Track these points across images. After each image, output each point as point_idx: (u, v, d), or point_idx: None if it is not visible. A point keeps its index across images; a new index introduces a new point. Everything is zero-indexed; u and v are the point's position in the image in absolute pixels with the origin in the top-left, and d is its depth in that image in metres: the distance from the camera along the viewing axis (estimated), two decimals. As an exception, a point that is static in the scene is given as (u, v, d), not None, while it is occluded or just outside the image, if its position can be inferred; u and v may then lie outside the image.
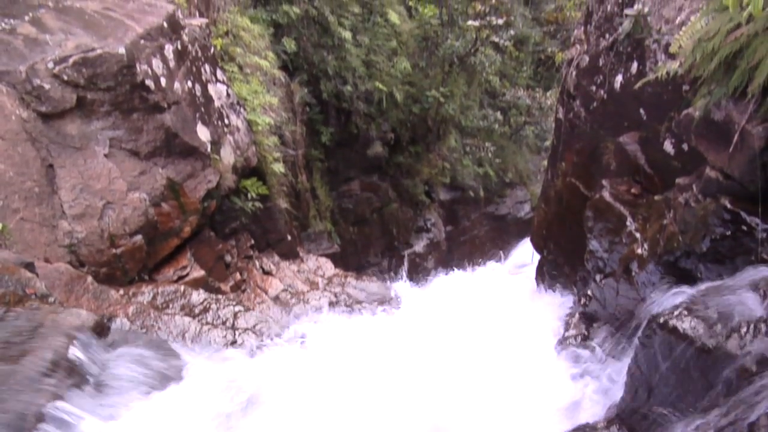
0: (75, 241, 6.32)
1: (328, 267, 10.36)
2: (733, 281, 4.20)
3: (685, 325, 3.83)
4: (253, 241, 9.07)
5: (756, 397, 3.15)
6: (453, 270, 13.80)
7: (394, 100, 14.70)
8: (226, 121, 8.33)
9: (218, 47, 8.92)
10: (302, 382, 5.57)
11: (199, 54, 8.04)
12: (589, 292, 6.68)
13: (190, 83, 7.65)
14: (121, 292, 6.29)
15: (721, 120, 4.54)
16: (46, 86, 6.35)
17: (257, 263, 8.98)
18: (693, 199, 4.89)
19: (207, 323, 6.31)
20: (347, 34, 13.23)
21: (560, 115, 8.13)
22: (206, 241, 7.95)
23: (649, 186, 6.20)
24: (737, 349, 3.53)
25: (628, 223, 6.12)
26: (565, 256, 8.10)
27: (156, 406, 4.46)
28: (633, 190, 6.37)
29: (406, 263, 16.04)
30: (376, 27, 14.53)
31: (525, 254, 12.85)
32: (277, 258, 9.48)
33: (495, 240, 19.03)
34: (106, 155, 6.72)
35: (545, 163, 11.50)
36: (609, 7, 6.85)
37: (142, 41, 6.94)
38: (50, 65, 6.38)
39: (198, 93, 7.81)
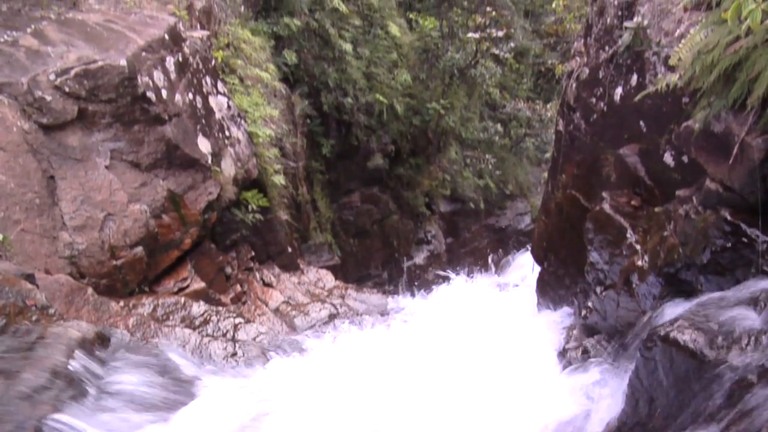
0: (75, 253, 6.33)
1: (329, 279, 10.36)
2: (733, 293, 4.19)
3: (686, 337, 3.83)
4: (253, 253, 9.07)
5: (758, 409, 3.15)
6: (453, 281, 13.77)
7: (394, 112, 14.73)
8: (227, 133, 8.35)
9: (219, 59, 8.94)
10: (304, 394, 5.57)
11: (200, 66, 8.07)
12: (589, 304, 6.67)
13: (191, 95, 7.67)
14: (122, 303, 6.29)
15: (720, 132, 4.54)
16: (48, 98, 6.37)
17: (258, 275, 8.97)
18: (693, 210, 4.89)
19: (207, 335, 6.30)
20: (348, 47, 13.27)
21: (560, 127, 8.14)
22: (207, 252, 7.95)
23: (649, 198, 6.20)
24: (738, 361, 3.52)
25: (628, 235, 6.11)
26: (565, 268, 8.09)
27: (156, 419, 4.46)
28: (633, 202, 6.37)
29: (405, 275, 16.02)
30: (377, 39, 14.57)
31: (525, 266, 12.84)
32: (277, 270, 9.47)
33: (495, 252, 19.02)
34: (107, 167, 6.73)
35: (545, 175, 11.50)
36: (608, 20, 6.87)
37: (143, 53, 6.97)
38: (52, 77, 6.40)
39: (199, 105, 7.84)
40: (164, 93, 7.11)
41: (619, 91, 6.58)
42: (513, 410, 5.54)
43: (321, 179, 13.90)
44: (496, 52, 16.20)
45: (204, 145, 7.70)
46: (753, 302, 3.92)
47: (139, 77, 6.75)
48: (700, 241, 4.71)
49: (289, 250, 9.93)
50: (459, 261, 17.85)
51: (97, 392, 4.34)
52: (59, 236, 6.28)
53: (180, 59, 7.55)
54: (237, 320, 6.87)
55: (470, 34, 15.46)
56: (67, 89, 6.43)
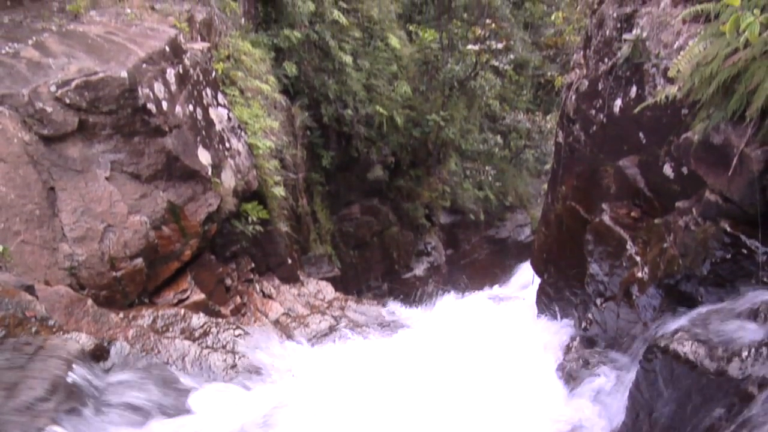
0: (75, 264, 6.32)
1: (329, 290, 10.34)
2: (733, 305, 4.19)
3: (686, 348, 3.83)
4: (253, 265, 9.06)
5: (759, 419, 3.14)
6: (453, 293, 13.76)
7: (394, 123, 14.77)
8: (227, 145, 8.36)
9: (219, 71, 8.97)
10: (304, 405, 5.55)
11: (201, 78, 8.09)
12: (589, 316, 6.67)
13: (191, 107, 7.68)
14: (121, 315, 6.27)
15: (720, 143, 4.55)
16: (49, 109, 6.38)
17: (257, 287, 8.96)
18: (693, 222, 4.89)
19: (207, 347, 6.28)
20: (348, 59, 13.32)
21: (560, 139, 8.16)
22: (207, 264, 7.94)
23: (649, 209, 6.21)
24: (738, 372, 3.52)
25: (628, 247, 6.12)
26: (565, 280, 8.09)
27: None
28: (633, 214, 6.38)
29: (406, 287, 16.01)
30: (377, 51, 14.63)
31: (525, 277, 12.83)
32: (277, 281, 9.46)
33: (495, 263, 19.02)
34: (107, 178, 6.73)
35: (545, 186, 11.52)
36: (608, 32, 6.90)
37: (144, 65, 6.98)
38: (53, 88, 6.41)
39: (199, 117, 7.85)
40: (165, 105, 7.12)
41: (618, 102, 6.59)
42: (513, 422, 5.53)
43: (321, 191, 13.91)
44: (496, 63, 16.27)
45: (204, 156, 7.71)
46: (753, 314, 3.92)
47: (139, 89, 6.77)
48: (699, 252, 4.72)
49: (289, 261, 9.93)
50: (459, 272, 17.86)
51: (96, 404, 4.32)
52: (59, 247, 6.28)
53: (180, 71, 7.57)
54: (237, 332, 6.85)
55: (470, 46, 15.52)
56: (67, 101, 6.44)
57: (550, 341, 7.53)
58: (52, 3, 8.00)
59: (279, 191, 9.67)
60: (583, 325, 6.79)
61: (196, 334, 6.59)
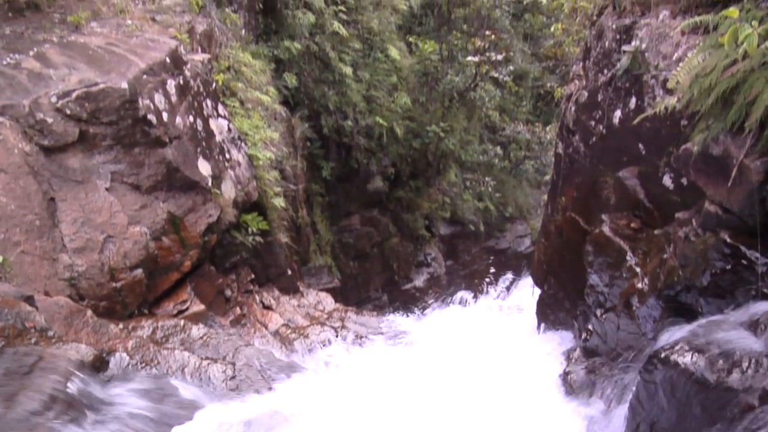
0: (75, 275, 6.32)
1: (329, 302, 10.32)
2: (734, 316, 4.19)
3: (687, 360, 3.82)
4: (253, 276, 9.05)
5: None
6: (453, 304, 13.74)
7: (394, 134, 14.78)
8: (227, 156, 8.37)
9: (220, 82, 8.98)
10: (303, 417, 5.54)
11: (201, 89, 8.10)
12: (589, 327, 6.66)
13: (191, 118, 7.70)
14: (121, 326, 6.27)
15: (719, 154, 4.56)
16: (49, 120, 6.39)
17: (257, 298, 8.95)
18: (693, 233, 4.89)
19: (206, 358, 6.27)
20: (348, 70, 13.35)
21: (560, 150, 8.17)
22: (206, 275, 7.93)
23: (648, 220, 6.21)
24: (739, 384, 3.51)
25: (628, 258, 6.11)
26: (565, 291, 8.08)
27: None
28: (633, 225, 6.38)
29: (406, 298, 15.98)
30: (377, 62, 14.66)
31: (525, 289, 12.81)
32: (277, 292, 9.45)
33: (495, 274, 18.99)
34: (107, 189, 6.74)
35: (545, 197, 11.51)
36: (607, 44, 6.92)
37: (144, 76, 7.00)
38: (53, 99, 6.43)
39: (199, 128, 7.86)
40: (165, 116, 7.14)
41: (617, 114, 6.60)
42: (513, 434, 5.52)
43: (321, 202, 13.91)
44: (496, 75, 16.30)
45: (204, 167, 7.72)
46: (753, 325, 3.91)
47: (140, 100, 6.78)
48: (699, 263, 4.72)
49: (289, 272, 9.92)
50: (459, 283, 17.83)
51: (95, 415, 4.32)
52: (59, 258, 6.28)
53: (181, 82, 7.59)
54: (237, 343, 6.84)
55: (470, 58, 15.55)
56: (68, 111, 6.46)
57: (551, 352, 7.52)
58: (54, 14, 8.02)
59: (279, 202, 9.67)
60: (584, 336, 6.78)
61: (196, 345, 6.58)
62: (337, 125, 13.46)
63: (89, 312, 6.01)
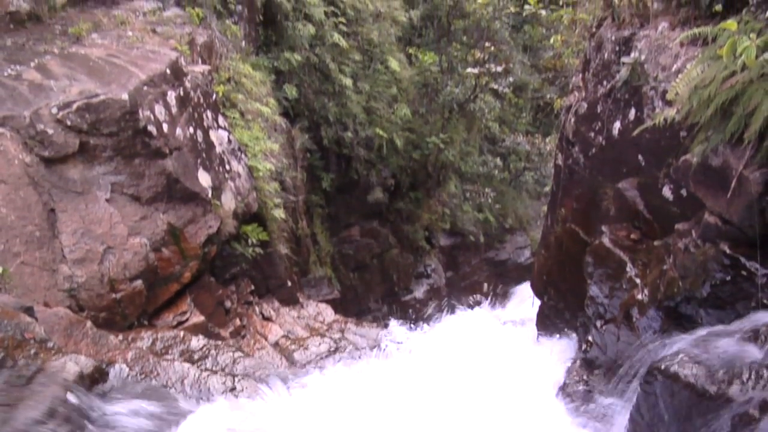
0: (75, 286, 6.31)
1: (328, 313, 10.31)
2: (734, 327, 4.19)
3: (687, 371, 3.82)
4: (253, 287, 9.04)
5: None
6: (453, 315, 13.72)
7: (394, 146, 14.79)
8: (227, 167, 8.38)
9: (220, 94, 9.00)
10: (303, 429, 5.53)
11: (201, 100, 8.12)
12: (589, 338, 6.65)
13: (191, 129, 7.71)
14: (120, 337, 6.26)
15: (718, 166, 4.57)
16: (50, 131, 6.40)
17: (257, 309, 8.94)
18: (692, 244, 4.90)
19: (206, 369, 6.26)
20: (348, 81, 13.38)
21: (559, 162, 8.18)
22: (206, 286, 7.93)
23: (648, 231, 6.22)
24: (739, 395, 3.51)
25: (628, 269, 6.12)
26: (565, 302, 8.08)
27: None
28: (632, 236, 6.38)
29: (406, 309, 15.96)
30: (377, 74, 14.69)
31: (525, 300, 12.80)
32: (277, 304, 9.44)
33: (495, 285, 18.98)
34: (107, 200, 6.74)
35: (545, 208, 11.52)
36: (606, 55, 6.94)
37: (145, 88, 7.02)
38: (54, 110, 6.44)
39: (199, 139, 7.87)
40: (165, 127, 7.15)
41: (617, 125, 6.62)
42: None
43: (321, 213, 13.92)
44: (495, 86, 16.32)
45: (204, 178, 7.72)
46: (754, 336, 3.92)
47: (140, 111, 6.79)
48: (699, 274, 4.72)
49: (289, 283, 9.91)
50: (459, 294, 17.82)
51: (94, 427, 4.31)
52: (59, 269, 6.27)
53: (181, 93, 7.61)
54: (236, 354, 6.83)
55: (469, 69, 15.59)
56: (68, 123, 6.47)
57: (550, 363, 7.51)
58: (55, 26, 8.05)
59: (279, 213, 9.67)
60: (584, 347, 6.77)
61: (196, 357, 6.57)
62: (337, 136, 13.48)
63: (89, 323, 6.00)
